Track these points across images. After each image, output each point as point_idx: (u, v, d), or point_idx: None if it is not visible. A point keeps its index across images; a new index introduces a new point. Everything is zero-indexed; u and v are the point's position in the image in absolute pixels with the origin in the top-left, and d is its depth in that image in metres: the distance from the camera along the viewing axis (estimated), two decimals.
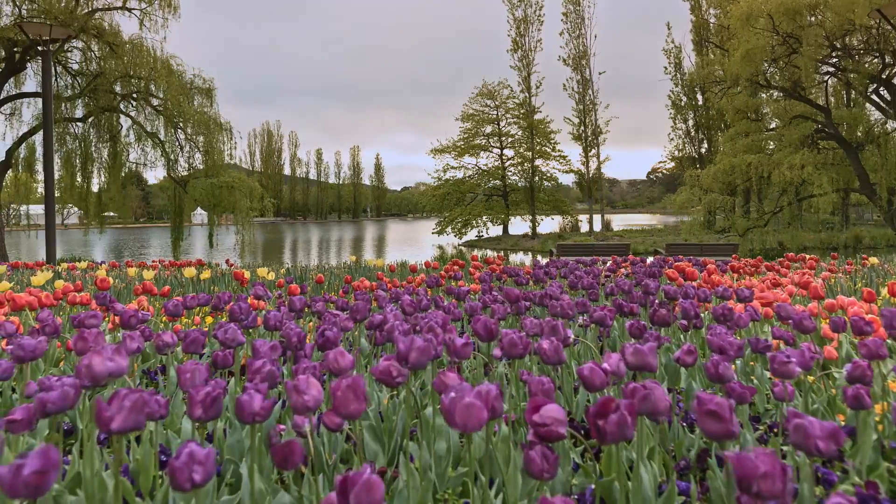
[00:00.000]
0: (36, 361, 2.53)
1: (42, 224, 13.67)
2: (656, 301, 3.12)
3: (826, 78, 22.34)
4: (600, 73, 35.54)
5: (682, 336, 2.95)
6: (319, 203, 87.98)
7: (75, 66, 18.22)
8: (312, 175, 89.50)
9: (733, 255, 9.80)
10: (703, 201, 22.61)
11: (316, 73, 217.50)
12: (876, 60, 20.12)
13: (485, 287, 4.15)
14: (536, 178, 34.48)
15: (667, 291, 3.19)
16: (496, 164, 35.66)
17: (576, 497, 1.43)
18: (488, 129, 35.49)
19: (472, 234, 33.73)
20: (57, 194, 15.59)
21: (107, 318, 3.44)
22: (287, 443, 1.18)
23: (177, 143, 19.01)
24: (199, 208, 20.22)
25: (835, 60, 20.87)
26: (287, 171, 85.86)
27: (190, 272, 6.57)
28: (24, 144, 18.18)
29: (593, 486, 1.45)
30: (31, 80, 18.06)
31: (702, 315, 3.04)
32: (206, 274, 6.56)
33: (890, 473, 1.59)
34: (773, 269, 5.75)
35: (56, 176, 16.17)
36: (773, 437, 1.79)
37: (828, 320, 2.59)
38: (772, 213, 21.71)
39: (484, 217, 33.75)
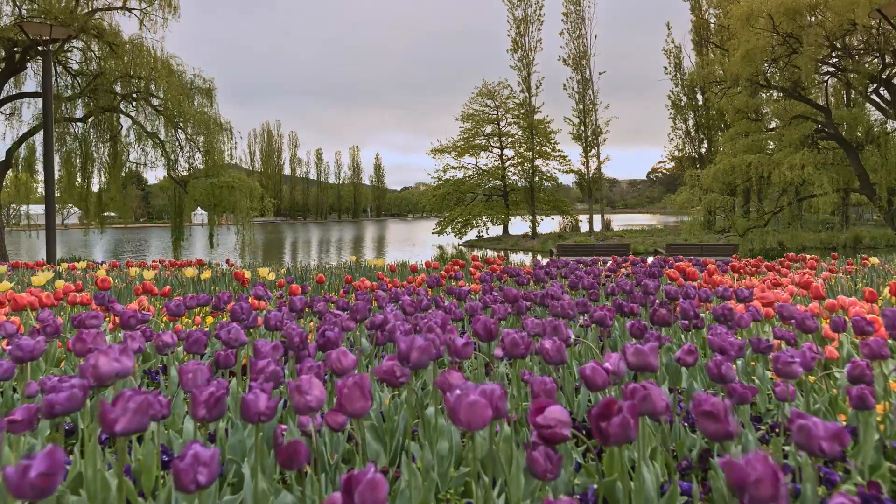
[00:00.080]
0: (37, 361, 2.53)
1: (42, 224, 13.68)
2: (657, 301, 3.12)
3: (826, 78, 22.36)
4: (600, 73, 35.56)
5: (682, 336, 2.95)
6: (319, 203, 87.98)
7: (75, 66, 18.22)
8: (312, 175, 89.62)
9: (733, 255, 9.79)
10: (703, 201, 22.62)
11: (316, 73, 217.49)
12: (876, 60, 20.12)
13: (485, 287, 4.15)
14: (536, 178, 34.49)
15: (667, 291, 3.19)
16: (496, 164, 35.67)
17: (578, 497, 1.43)
18: (488, 129, 35.51)
19: (472, 234, 33.73)
20: (57, 194, 15.58)
21: (107, 319, 3.44)
22: (292, 443, 1.18)
23: (177, 143, 19.01)
24: (199, 208, 20.23)
25: (835, 60, 20.88)
26: (287, 171, 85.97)
27: (190, 272, 6.57)
28: (24, 144, 18.18)
29: (595, 486, 1.46)
30: (31, 80, 18.09)
31: (702, 315, 3.04)
32: (206, 274, 6.56)
33: (892, 473, 1.59)
34: (774, 269, 5.75)
35: (56, 176, 16.17)
36: (775, 438, 1.79)
37: (828, 320, 2.59)
38: (772, 213, 21.71)
39: (484, 217, 33.75)
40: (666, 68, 35.83)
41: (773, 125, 24.28)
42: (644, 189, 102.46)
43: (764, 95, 24.09)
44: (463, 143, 35.49)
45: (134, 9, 18.01)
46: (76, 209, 21.67)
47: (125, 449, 1.10)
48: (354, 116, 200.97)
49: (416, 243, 34.41)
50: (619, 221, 48.08)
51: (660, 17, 76.31)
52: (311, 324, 3.59)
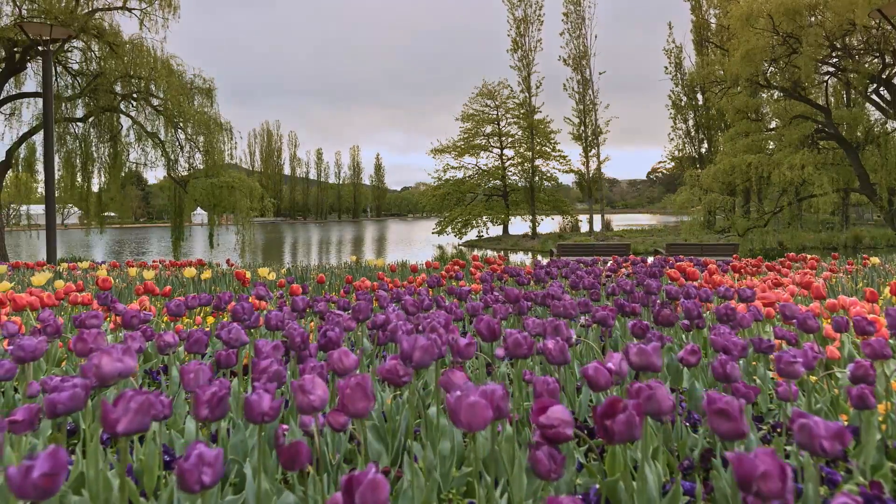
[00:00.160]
0: (38, 361, 2.53)
1: (42, 224, 13.68)
2: (658, 301, 3.12)
3: (826, 78, 22.36)
4: (600, 73, 35.51)
5: (683, 336, 2.95)
6: (319, 203, 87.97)
7: (75, 66, 18.23)
8: (312, 175, 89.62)
9: (734, 255, 9.79)
10: (703, 201, 22.62)
11: (316, 73, 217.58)
12: (876, 60, 20.13)
13: (486, 287, 4.15)
14: (536, 178, 34.49)
15: (668, 291, 3.19)
16: (496, 164, 35.67)
17: (580, 496, 1.43)
18: (488, 129, 35.51)
19: (472, 234, 33.73)
20: (57, 194, 15.58)
21: (108, 319, 3.44)
22: (294, 443, 1.18)
23: (177, 143, 19.01)
24: (199, 208, 20.23)
25: (835, 60, 20.88)
26: (287, 171, 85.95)
27: (191, 272, 6.57)
28: (24, 144, 18.19)
29: (597, 486, 1.45)
30: (31, 80, 18.09)
31: (704, 315, 3.04)
32: (206, 274, 6.56)
33: (894, 473, 1.59)
34: (774, 269, 5.75)
35: (56, 176, 16.18)
36: (777, 437, 1.79)
37: (830, 320, 2.59)
38: (772, 213, 21.72)
39: (484, 217, 33.75)
40: (666, 68, 35.87)
41: (773, 125, 24.30)
42: (644, 189, 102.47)
43: (764, 95, 24.10)
44: (463, 143, 35.49)
45: (134, 9, 18.02)
46: (76, 209, 21.68)
47: (127, 449, 1.10)
48: (354, 116, 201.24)
49: (416, 243, 34.41)
50: (619, 221, 48.07)
51: (660, 17, 76.48)
52: (312, 324, 3.58)
